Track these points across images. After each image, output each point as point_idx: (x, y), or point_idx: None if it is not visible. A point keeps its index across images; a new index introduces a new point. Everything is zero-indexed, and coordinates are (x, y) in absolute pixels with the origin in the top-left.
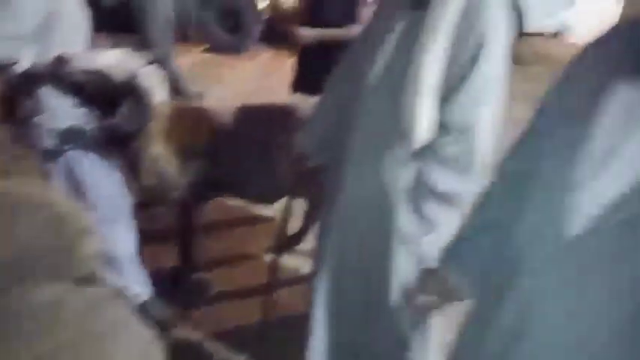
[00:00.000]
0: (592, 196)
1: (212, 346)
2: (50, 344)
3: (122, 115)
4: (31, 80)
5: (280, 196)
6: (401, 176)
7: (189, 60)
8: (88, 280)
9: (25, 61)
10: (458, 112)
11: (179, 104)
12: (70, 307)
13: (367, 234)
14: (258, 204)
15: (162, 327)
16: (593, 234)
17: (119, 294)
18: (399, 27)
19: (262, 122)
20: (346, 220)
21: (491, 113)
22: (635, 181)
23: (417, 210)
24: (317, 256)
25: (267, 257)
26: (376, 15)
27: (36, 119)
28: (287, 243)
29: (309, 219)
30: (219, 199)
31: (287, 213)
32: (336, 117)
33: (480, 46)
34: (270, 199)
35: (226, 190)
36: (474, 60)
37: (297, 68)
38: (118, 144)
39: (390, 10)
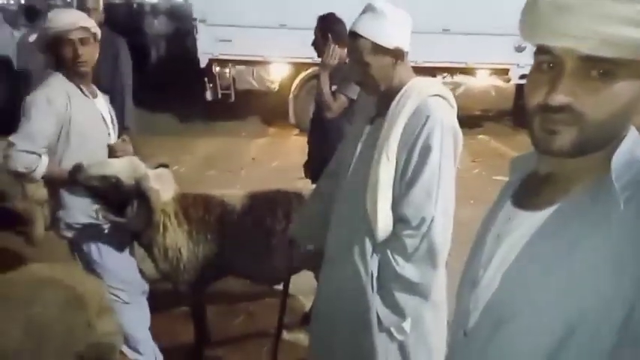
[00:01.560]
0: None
1: None
2: None
3: (129, 216)
4: (52, 184)
5: (284, 278)
6: (369, 268)
7: None
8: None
9: (41, 169)
10: (413, 206)
11: (190, 195)
12: None
13: (348, 323)
14: (263, 285)
15: None
16: None
17: None
18: (364, 134)
19: (267, 209)
20: (328, 311)
21: (444, 207)
22: None
23: (389, 299)
24: (310, 341)
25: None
26: (354, 121)
27: (57, 214)
28: (302, 320)
29: None
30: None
31: (285, 295)
32: (322, 210)
33: (427, 150)
34: (274, 281)
35: (234, 273)
36: (423, 159)
37: (308, 152)
38: (131, 236)
39: (362, 118)
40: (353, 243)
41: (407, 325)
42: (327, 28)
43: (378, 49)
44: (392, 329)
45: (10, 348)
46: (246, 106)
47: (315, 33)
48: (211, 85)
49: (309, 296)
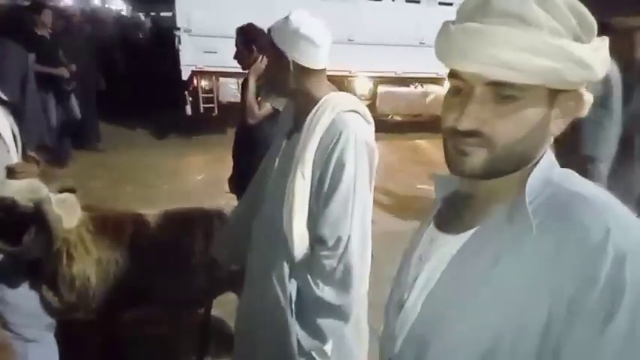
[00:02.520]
0: None
1: None
2: None
3: (26, 244)
4: None
5: (205, 302)
6: (287, 291)
7: None
8: None
9: None
10: (329, 225)
11: (100, 217)
12: None
13: (269, 346)
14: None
15: None
16: None
17: None
18: (281, 149)
19: (184, 229)
20: (248, 333)
21: (360, 224)
22: None
23: (308, 322)
24: None
25: None
26: (275, 138)
27: None
28: (230, 344)
29: None
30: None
31: (207, 319)
32: (244, 229)
33: (342, 166)
34: (194, 305)
35: (150, 299)
36: (338, 175)
37: (234, 165)
38: (30, 267)
39: (281, 131)
40: (271, 264)
41: (328, 347)
42: (250, 39)
43: (298, 67)
44: (313, 353)
45: None
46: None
47: (237, 45)
48: (191, 99)
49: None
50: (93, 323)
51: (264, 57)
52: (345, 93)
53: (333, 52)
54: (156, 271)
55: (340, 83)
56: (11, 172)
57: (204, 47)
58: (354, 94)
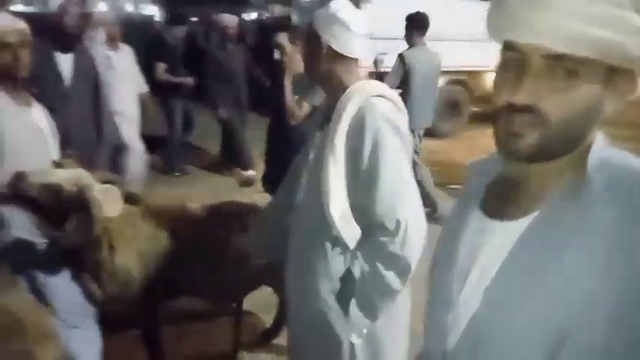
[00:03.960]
0: None
1: None
2: None
3: (68, 230)
4: None
5: (240, 295)
6: (332, 275)
7: None
8: None
9: None
10: (382, 207)
11: (141, 207)
12: None
13: (318, 336)
14: (217, 304)
15: None
16: None
17: None
18: (315, 141)
19: (220, 222)
20: (297, 323)
21: (413, 206)
22: None
23: (364, 303)
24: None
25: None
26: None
27: None
28: (262, 338)
29: (280, 314)
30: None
31: (239, 313)
32: (278, 222)
33: (377, 146)
34: (230, 298)
35: (188, 291)
36: (375, 158)
37: (266, 163)
38: (74, 257)
39: (315, 125)
40: (313, 252)
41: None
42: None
43: (331, 52)
44: (354, 334)
45: None
46: None
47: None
48: None
49: (269, 313)
50: (133, 314)
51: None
52: (375, 81)
53: (477, 49)
54: (194, 264)
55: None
56: (57, 164)
57: None
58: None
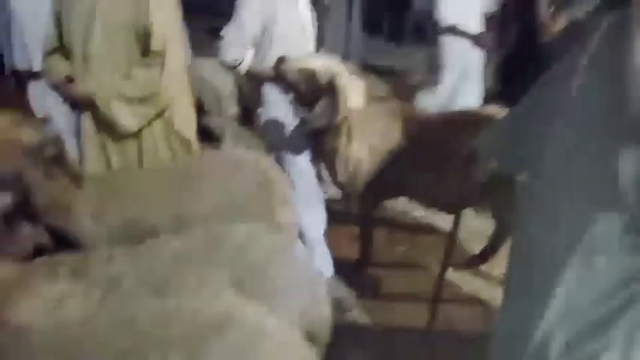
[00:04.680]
0: None
1: (381, 335)
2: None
3: (316, 112)
4: (256, 77)
5: (457, 208)
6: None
7: None
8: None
9: (246, 63)
10: None
11: (380, 105)
12: (262, 245)
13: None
14: (438, 211)
15: (339, 307)
16: None
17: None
18: (596, 35)
19: (455, 130)
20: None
21: None
22: None
23: None
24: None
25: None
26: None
27: (259, 110)
28: (468, 262)
29: (495, 240)
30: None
31: (456, 228)
32: (519, 128)
33: None
34: (449, 208)
35: (410, 193)
36: None
37: (498, 76)
38: (314, 139)
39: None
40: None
41: None
42: None
43: None
44: None
45: (202, 215)
46: None
47: None
48: None
49: (478, 239)
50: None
51: None
52: None
53: None
54: (419, 167)
55: None
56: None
57: None
58: None
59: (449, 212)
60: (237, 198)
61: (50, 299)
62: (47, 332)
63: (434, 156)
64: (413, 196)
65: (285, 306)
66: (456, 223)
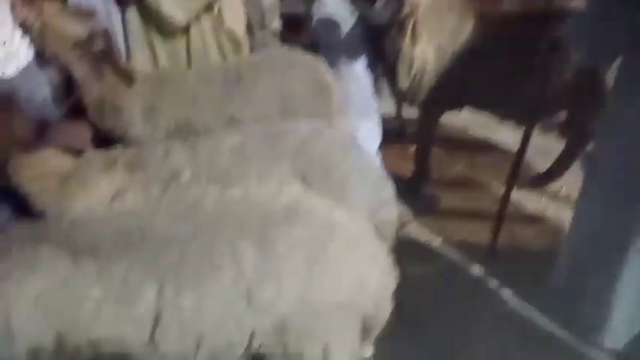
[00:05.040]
0: None
1: (441, 249)
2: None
3: (376, 6)
4: None
5: (536, 118)
6: None
7: None
8: None
9: None
10: None
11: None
12: (326, 139)
13: None
14: (505, 120)
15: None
16: None
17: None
18: None
19: (537, 25)
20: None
21: None
22: None
23: None
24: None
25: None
26: None
27: (313, 9)
28: (533, 181)
29: (563, 161)
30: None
31: (525, 143)
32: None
33: None
34: (519, 118)
35: (474, 102)
36: None
37: None
38: (373, 41)
39: None
40: None
41: None
42: None
43: None
44: None
45: (255, 117)
46: None
47: None
48: None
49: (544, 157)
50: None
51: None
52: None
53: None
54: (491, 72)
55: None
56: None
57: None
58: None
59: (521, 124)
60: (291, 101)
61: (108, 192)
62: (108, 221)
63: (510, 57)
64: (482, 105)
65: (354, 203)
66: (526, 137)
